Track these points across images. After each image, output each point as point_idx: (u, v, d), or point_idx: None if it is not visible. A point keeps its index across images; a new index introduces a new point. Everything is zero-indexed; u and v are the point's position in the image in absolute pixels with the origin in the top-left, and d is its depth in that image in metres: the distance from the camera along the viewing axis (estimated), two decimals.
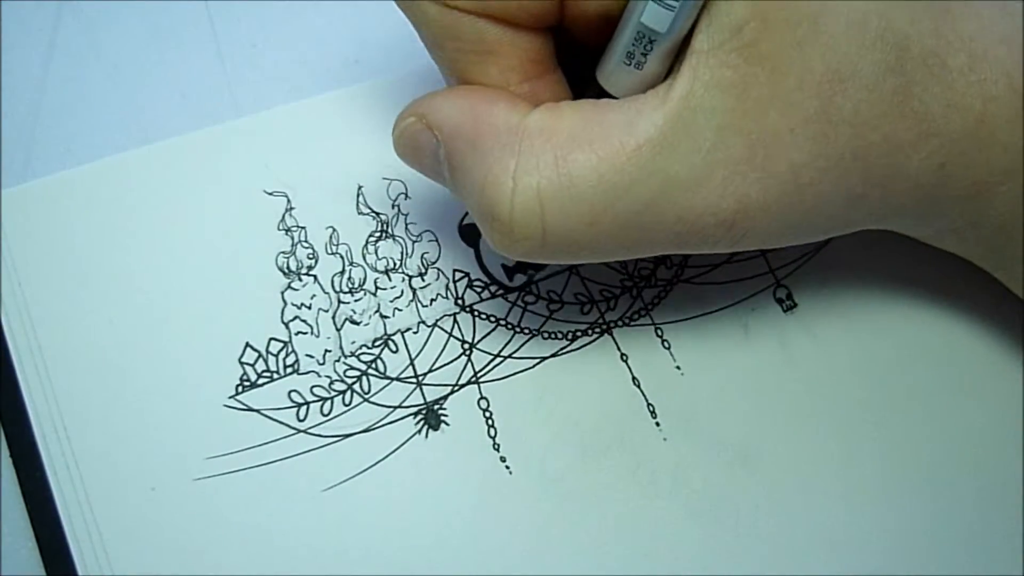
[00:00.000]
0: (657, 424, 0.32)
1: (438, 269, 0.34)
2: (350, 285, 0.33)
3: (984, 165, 0.26)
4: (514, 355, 0.33)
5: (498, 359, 0.33)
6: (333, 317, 0.33)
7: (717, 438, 0.32)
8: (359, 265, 0.33)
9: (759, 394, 0.32)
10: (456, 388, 0.32)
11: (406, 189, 0.34)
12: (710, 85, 0.24)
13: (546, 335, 0.33)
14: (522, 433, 0.32)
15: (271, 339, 0.32)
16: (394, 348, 0.33)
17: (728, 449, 0.32)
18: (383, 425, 0.32)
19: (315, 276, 0.33)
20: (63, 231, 0.33)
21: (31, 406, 0.31)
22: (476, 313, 0.33)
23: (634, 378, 0.33)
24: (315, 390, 0.32)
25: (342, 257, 0.33)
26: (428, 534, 0.31)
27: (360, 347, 0.32)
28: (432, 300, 0.33)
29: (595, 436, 0.32)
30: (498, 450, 0.32)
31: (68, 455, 0.31)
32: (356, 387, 0.32)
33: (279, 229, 0.33)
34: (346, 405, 0.32)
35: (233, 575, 0.30)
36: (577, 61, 0.28)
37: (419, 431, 0.32)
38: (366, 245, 0.34)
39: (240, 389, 0.32)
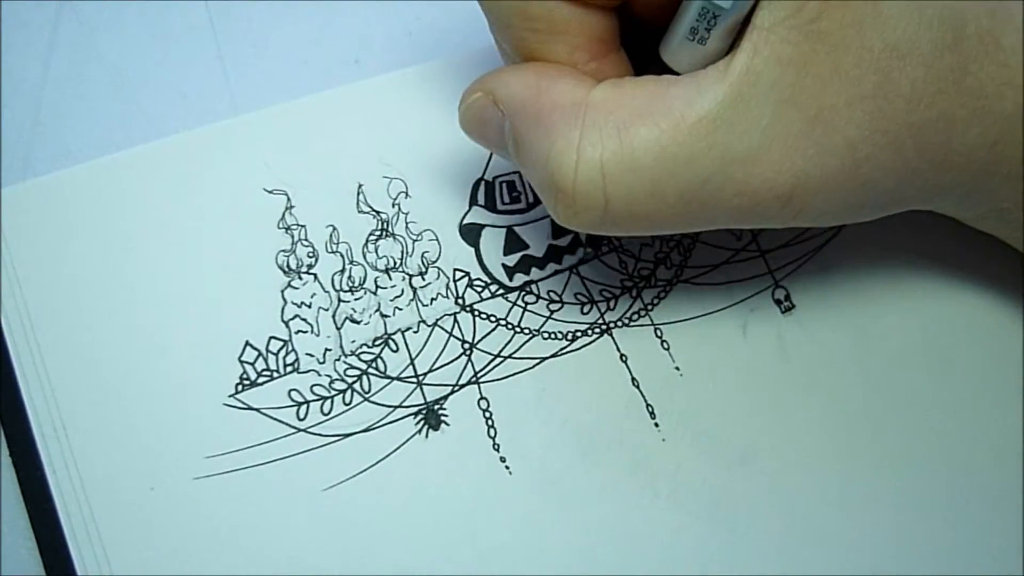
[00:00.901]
0: (656, 424, 0.32)
1: (438, 268, 0.34)
2: (350, 284, 0.33)
3: None
4: (514, 355, 0.33)
5: (498, 359, 0.33)
6: (333, 316, 0.33)
7: (716, 438, 0.32)
8: (359, 264, 0.33)
9: (758, 394, 0.33)
10: (456, 388, 0.32)
11: (406, 188, 0.34)
12: (770, 61, 0.24)
13: (546, 335, 0.33)
14: (522, 433, 0.32)
15: (271, 338, 0.32)
16: (394, 347, 0.33)
17: (727, 449, 0.32)
18: (383, 425, 0.32)
19: (315, 275, 0.33)
20: (63, 230, 0.33)
21: (30, 405, 0.31)
22: (476, 313, 0.33)
23: (633, 378, 0.33)
24: (315, 389, 0.32)
25: (342, 256, 0.33)
26: (428, 534, 0.31)
27: (360, 346, 0.32)
28: (432, 299, 0.33)
29: (594, 436, 0.32)
30: (498, 450, 0.32)
31: (67, 454, 0.31)
32: (356, 386, 0.32)
33: (279, 227, 0.33)
34: (346, 404, 0.32)
35: (233, 575, 0.30)
36: (640, 40, 0.29)
37: (419, 431, 0.32)
38: (366, 244, 0.34)
39: (240, 388, 0.32)
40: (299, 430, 0.31)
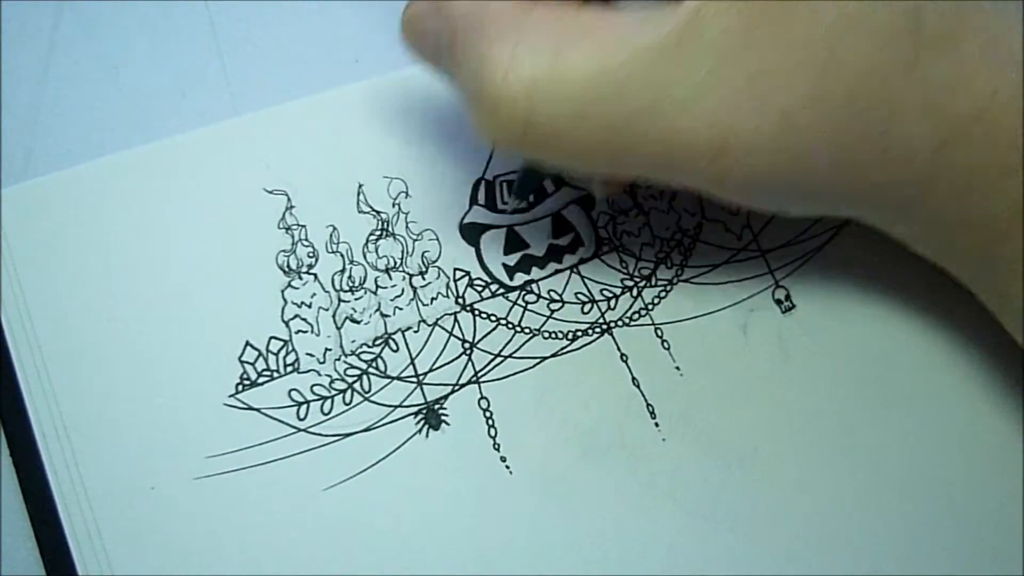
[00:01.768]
0: (656, 424, 0.32)
1: (438, 268, 0.34)
2: (350, 284, 0.33)
3: (986, 155, 0.25)
4: (514, 355, 0.33)
5: (498, 359, 0.33)
6: (333, 316, 0.33)
7: (716, 438, 0.32)
8: (359, 264, 0.33)
9: (758, 395, 0.33)
10: (456, 388, 0.32)
11: (406, 187, 0.34)
12: (720, 10, 0.24)
13: (546, 335, 0.33)
14: (522, 433, 0.32)
15: (271, 338, 0.32)
16: (395, 347, 0.33)
17: (727, 449, 0.32)
18: (383, 424, 0.32)
19: (315, 275, 0.33)
20: (63, 230, 0.33)
21: (31, 405, 0.31)
22: (477, 312, 0.33)
23: (634, 378, 0.33)
24: (315, 389, 0.32)
25: (342, 256, 0.33)
26: (428, 534, 0.31)
27: (360, 346, 0.32)
28: (433, 299, 0.33)
29: (595, 436, 0.32)
30: (498, 450, 0.32)
31: (68, 454, 0.31)
32: (356, 386, 0.32)
33: (279, 228, 0.33)
34: (346, 404, 0.32)
35: (233, 575, 0.30)
36: None
37: (419, 431, 0.32)
38: (366, 244, 0.34)
39: (240, 388, 0.32)
40: (299, 430, 0.31)
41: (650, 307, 0.34)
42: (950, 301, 0.33)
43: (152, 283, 0.32)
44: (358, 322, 0.33)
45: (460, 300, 0.33)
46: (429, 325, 0.33)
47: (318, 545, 0.30)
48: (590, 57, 0.24)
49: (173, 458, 0.31)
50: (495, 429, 0.32)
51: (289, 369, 0.32)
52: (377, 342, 0.33)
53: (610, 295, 0.34)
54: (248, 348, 0.32)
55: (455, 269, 0.34)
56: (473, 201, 0.34)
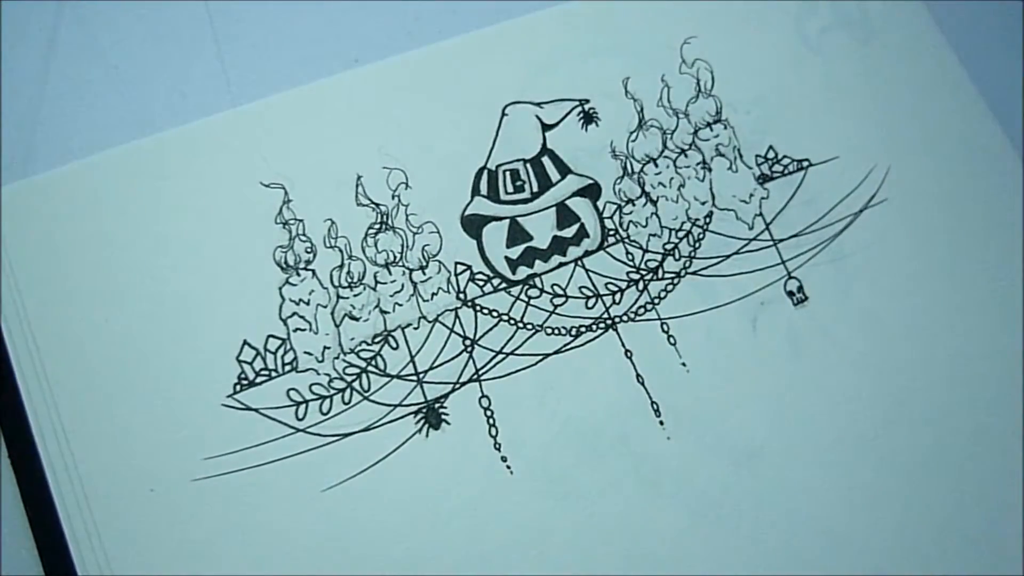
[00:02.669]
0: (661, 423, 0.31)
1: (439, 262, 0.33)
2: (349, 279, 0.32)
3: None
4: (516, 351, 0.32)
5: (500, 356, 0.32)
6: (332, 313, 0.32)
7: (722, 437, 0.31)
8: (358, 259, 0.33)
9: (766, 392, 0.32)
10: (457, 386, 0.32)
11: (406, 178, 0.33)
12: None
13: (549, 331, 0.32)
14: (523, 432, 0.31)
15: (269, 336, 0.32)
16: (394, 344, 0.32)
17: (733, 448, 0.31)
18: (383, 424, 0.31)
19: (313, 271, 0.32)
20: (61, 227, 0.32)
21: (29, 406, 0.31)
22: (478, 308, 0.32)
23: (638, 375, 0.32)
24: (314, 388, 0.31)
25: (341, 251, 0.33)
26: (428, 534, 0.30)
27: (360, 343, 0.32)
28: (433, 294, 0.33)
29: (598, 435, 0.31)
30: (499, 449, 0.31)
31: (67, 456, 0.31)
32: (356, 385, 0.32)
33: (277, 222, 0.33)
34: (345, 403, 0.31)
35: (232, 575, 0.30)
36: None
37: (419, 430, 0.31)
38: (365, 238, 0.33)
39: (238, 388, 0.31)
40: (298, 430, 0.31)
41: (656, 301, 0.33)
42: (970, 292, 0.32)
43: (150, 282, 0.32)
44: (357, 319, 0.32)
45: (461, 295, 0.33)
46: (429, 321, 0.32)
47: (318, 546, 0.30)
48: None
49: (171, 459, 0.31)
50: (496, 428, 0.31)
51: (287, 368, 0.32)
52: (376, 339, 0.32)
53: (615, 289, 0.33)
54: (246, 347, 0.32)
55: (456, 263, 0.33)
56: (475, 191, 0.33)
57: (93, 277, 0.32)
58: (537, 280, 0.33)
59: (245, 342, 0.32)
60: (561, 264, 0.33)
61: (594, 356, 0.32)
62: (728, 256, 0.33)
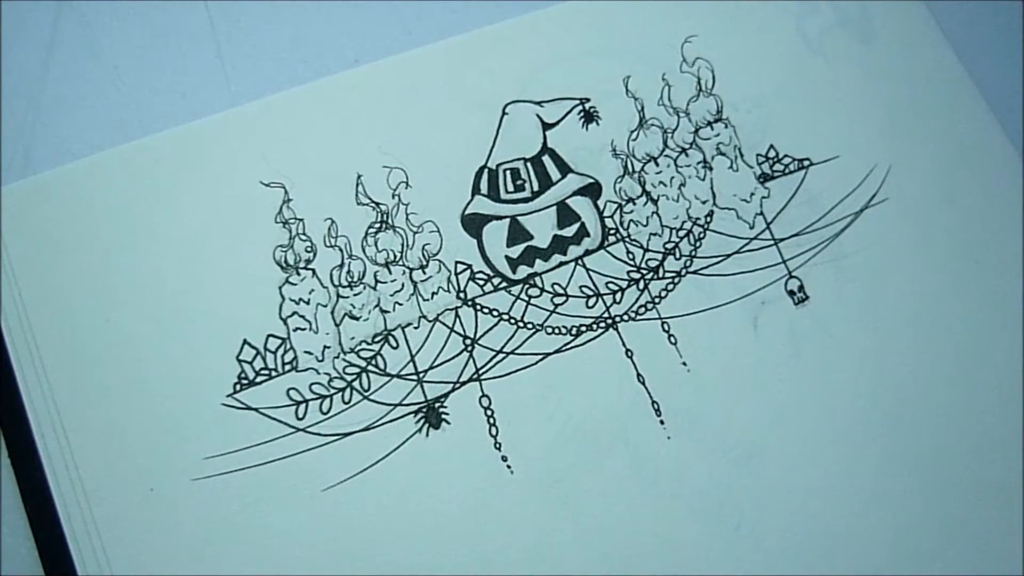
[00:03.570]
0: (662, 422, 0.31)
1: (439, 261, 0.33)
2: (349, 279, 0.32)
3: None
4: (516, 351, 0.32)
5: (500, 355, 0.32)
6: (332, 312, 0.32)
7: (723, 437, 0.31)
8: (358, 258, 0.33)
9: (767, 392, 0.32)
10: (457, 385, 0.32)
11: (406, 177, 0.33)
12: None
13: (550, 330, 0.32)
14: (524, 432, 0.31)
15: (269, 336, 0.32)
16: (394, 344, 0.32)
17: (734, 448, 0.31)
18: (383, 424, 0.31)
19: (313, 270, 0.32)
20: (61, 227, 0.32)
21: (29, 406, 0.31)
22: (478, 307, 0.32)
23: (639, 375, 0.32)
24: (314, 388, 0.31)
25: (341, 250, 0.33)
26: (428, 534, 0.30)
27: (360, 343, 0.32)
28: (433, 293, 0.32)
29: (598, 435, 0.31)
30: (499, 449, 0.31)
31: (67, 456, 0.30)
32: (356, 384, 0.31)
33: (276, 222, 0.33)
34: (346, 403, 0.31)
35: (233, 575, 0.30)
36: None
37: (419, 430, 0.31)
38: (365, 237, 0.33)
39: (238, 387, 0.31)
40: (298, 430, 0.31)
41: (657, 300, 0.33)
42: (970, 290, 0.32)
43: (150, 282, 0.32)
44: (357, 318, 0.32)
45: (461, 294, 0.32)
46: (430, 321, 0.32)
47: (318, 546, 0.30)
48: None
49: (171, 459, 0.31)
50: (496, 428, 0.31)
51: (287, 368, 0.31)
52: (377, 339, 0.32)
53: (616, 288, 0.33)
54: (246, 346, 0.32)
55: (456, 262, 0.33)
56: (475, 190, 0.33)
57: (93, 277, 0.32)
58: (537, 279, 0.33)
59: (245, 341, 0.32)
60: (562, 263, 0.33)
61: (595, 355, 0.32)
62: (729, 255, 0.33)
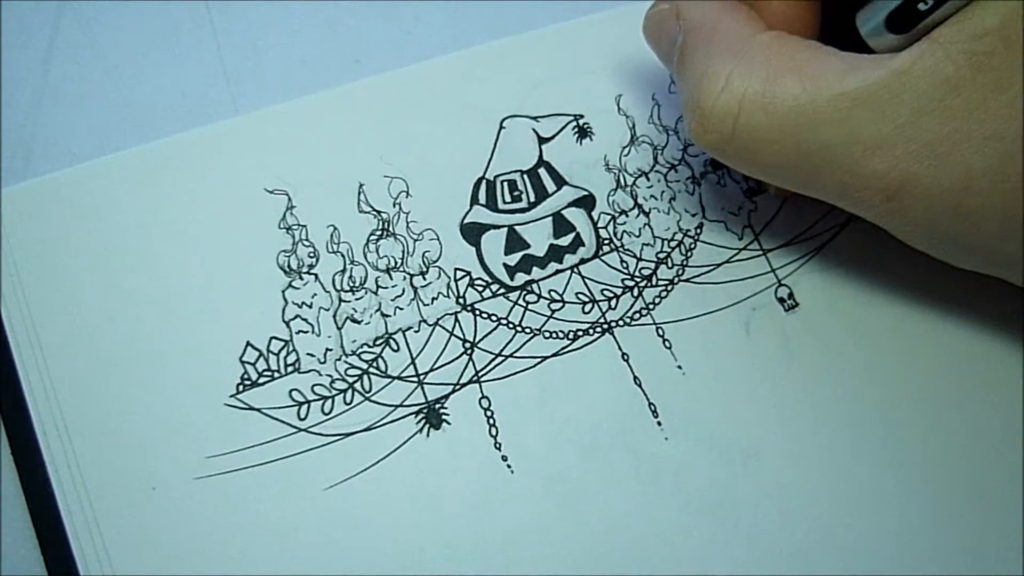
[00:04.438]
0: (659, 424, 0.32)
1: (439, 268, 0.33)
2: (351, 284, 0.33)
3: None
4: (515, 354, 0.33)
5: (499, 358, 0.33)
6: (334, 316, 0.33)
7: (719, 438, 0.32)
8: (360, 264, 0.33)
9: (761, 394, 0.32)
10: (457, 387, 0.32)
11: (407, 187, 0.34)
12: (928, 71, 0.25)
13: (547, 334, 0.33)
14: (523, 433, 0.32)
15: (272, 338, 0.32)
16: (395, 347, 0.32)
17: (730, 449, 0.32)
18: (384, 424, 0.32)
19: (316, 275, 0.33)
20: (63, 230, 0.33)
21: (32, 405, 0.31)
22: (477, 312, 0.33)
23: (635, 377, 0.33)
24: (316, 389, 0.32)
25: (343, 256, 0.33)
26: (429, 534, 0.31)
27: (361, 346, 0.32)
28: (433, 299, 0.33)
29: (596, 436, 0.32)
30: (499, 449, 0.32)
31: (69, 454, 0.31)
32: (357, 386, 0.32)
33: (280, 227, 0.33)
34: (347, 404, 0.32)
35: (234, 575, 0.30)
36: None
37: (420, 430, 0.32)
38: (367, 243, 0.33)
39: (241, 388, 0.32)
40: (300, 430, 0.31)
41: (651, 307, 0.34)
42: (954, 299, 0.33)
43: (153, 283, 0.32)
44: (359, 322, 0.33)
45: (461, 300, 0.33)
46: (430, 325, 0.33)
47: (319, 545, 0.30)
48: (796, 91, 0.27)
49: (174, 458, 0.31)
50: (496, 428, 0.32)
51: (290, 369, 0.32)
52: (378, 342, 0.32)
53: (611, 295, 0.34)
54: (249, 348, 0.32)
55: (456, 269, 0.34)
56: (474, 201, 0.34)
57: (97, 278, 0.32)
58: (535, 286, 0.34)
59: (248, 343, 0.32)
60: (558, 271, 0.34)
61: (592, 359, 0.33)
62: (719, 264, 0.34)
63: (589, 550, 0.31)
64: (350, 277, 0.33)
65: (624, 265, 0.34)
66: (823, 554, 0.31)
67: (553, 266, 0.34)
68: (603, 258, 0.34)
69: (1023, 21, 0.24)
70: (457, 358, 0.33)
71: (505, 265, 0.34)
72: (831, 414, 0.32)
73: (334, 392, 0.32)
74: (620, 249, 0.34)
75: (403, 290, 0.33)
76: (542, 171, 0.35)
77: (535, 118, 0.36)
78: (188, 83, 0.35)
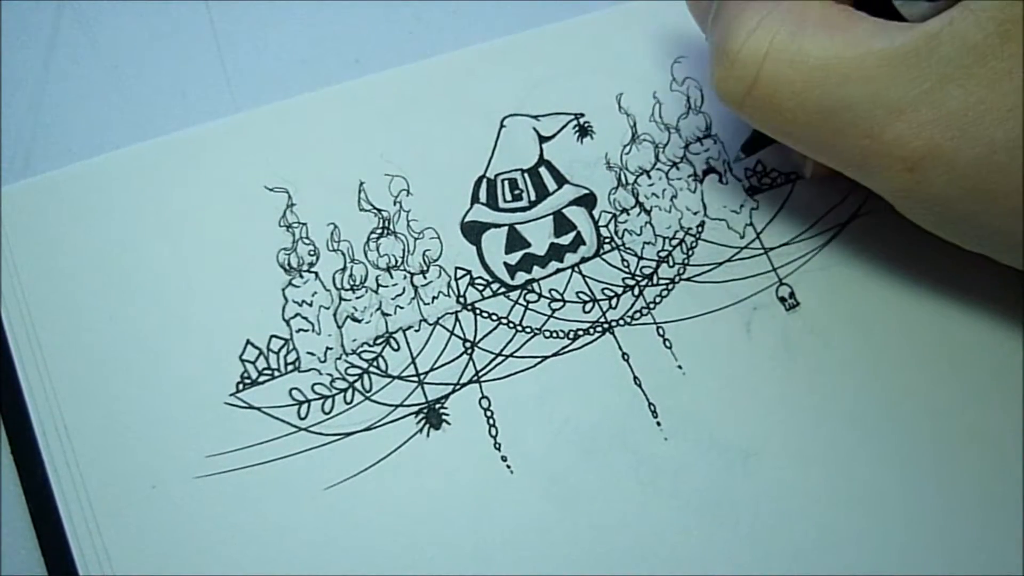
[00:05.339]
0: (658, 424, 0.32)
1: (440, 267, 0.33)
2: (351, 282, 0.33)
3: None
4: (515, 354, 0.33)
5: (499, 358, 0.33)
6: (334, 314, 0.33)
7: (719, 438, 0.32)
8: (360, 262, 0.33)
9: (761, 393, 0.32)
10: (457, 387, 0.32)
11: (408, 185, 0.34)
12: (957, 37, 0.25)
13: (547, 334, 0.33)
14: (523, 432, 0.32)
15: (272, 336, 0.32)
16: (396, 346, 0.32)
17: (730, 449, 0.32)
18: (384, 424, 0.32)
19: (316, 273, 0.33)
20: (63, 228, 0.33)
21: (32, 404, 0.31)
22: (478, 311, 0.33)
23: (635, 377, 0.32)
24: (316, 388, 0.32)
25: (343, 254, 0.33)
26: (429, 534, 0.31)
27: (361, 345, 0.32)
28: (434, 298, 0.33)
29: (596, 436, 0.32)
30: (499, 449, 0.32)
31: (69, 453, 0.31)
32: (357, 385, 0.32)
33: (280, 226, 0.33)
34: (347, 403, 0.32)
35: (234, 574, 0.30)
36: None
37: (420, 430, 0.32)
38: (367, 242, 0.33)
39: (241, 387, 0.32)
40: (300, 429, 0.31)
41: (652, 306, 0.33)
42: (956, 299, 0.33)
43: (153, 281, 0.32)
44: (359, 321, 0.33)
45: (461, 299, 0.33)
46: (430, 324, 0.33)
47: (319, 544, 0.30)
48: (825, 45, 0.27)
49: (174, 457, 0.31)
50: (496, 428, 0.32)
51: (290, 368, 0.32)
52: (378, 341, 0.32)
53: (611, 294, 0.34)
54: (249, 347, 0.32)
55: (456, 268, 0.33)
56: (474, 199, 0.34)
57: (97, 277, 0.32)
58: (535, 285, 0.33)
59: (248, 342, 0.32)
60: (559, 270, 0.34)
61: (592, 359, 0.33)
62: (720, 263, 0.34)
63: (589, 550, 0.31)
64: (350, 275, 0.33)
65: (625, 264, 0.34)
66: (823, 554, 0.31)
67: (554, 265, 0.34)
68: (604, 257, 0.34)
69: None
70: (457, 357, 0.32)
71: (506, 264, 0.34)
72: (832, 414, 0.32)
73: (334, 391, 0.32)
74: (621, 248, 0.34)
75: (403, 289, 0.33)
76: (543, 170, 0.35)
77: (536, 117, 0.35)
78: (188, 83, 0.35)
